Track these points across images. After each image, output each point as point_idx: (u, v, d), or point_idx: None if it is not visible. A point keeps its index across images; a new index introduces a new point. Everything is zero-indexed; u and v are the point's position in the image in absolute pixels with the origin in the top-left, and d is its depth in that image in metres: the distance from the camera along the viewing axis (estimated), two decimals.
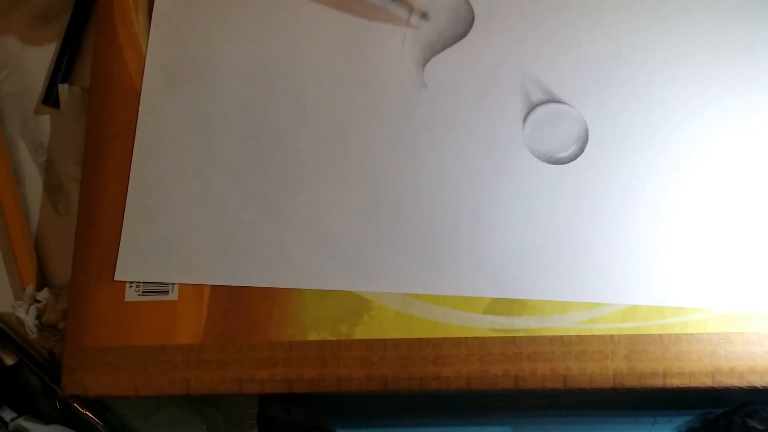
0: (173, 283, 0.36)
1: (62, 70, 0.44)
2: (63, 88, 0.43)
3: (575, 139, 0.37)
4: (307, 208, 0.37)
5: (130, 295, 0.36)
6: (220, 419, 0.41)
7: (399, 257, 0.36)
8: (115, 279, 0.36)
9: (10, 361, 0.41)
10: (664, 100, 0.37)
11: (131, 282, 0.36)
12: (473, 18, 0.39)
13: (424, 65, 0.38)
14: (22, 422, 0.40)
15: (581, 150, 0.37)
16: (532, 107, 0.37)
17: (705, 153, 0.37)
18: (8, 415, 0.40)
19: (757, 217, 0.36)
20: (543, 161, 0.37)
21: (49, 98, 0.44)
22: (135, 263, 0.36)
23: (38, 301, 0.40)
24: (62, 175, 0.43)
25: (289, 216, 0.36)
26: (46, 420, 0.40)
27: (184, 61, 0.39)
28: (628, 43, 0.38)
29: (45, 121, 0.44)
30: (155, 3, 0.40)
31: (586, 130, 0.37)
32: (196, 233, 0.36)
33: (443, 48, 0.38)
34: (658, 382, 0.34)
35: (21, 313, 0.40)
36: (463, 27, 0.38)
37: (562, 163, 0.37)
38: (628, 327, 0.35)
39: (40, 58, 0.45)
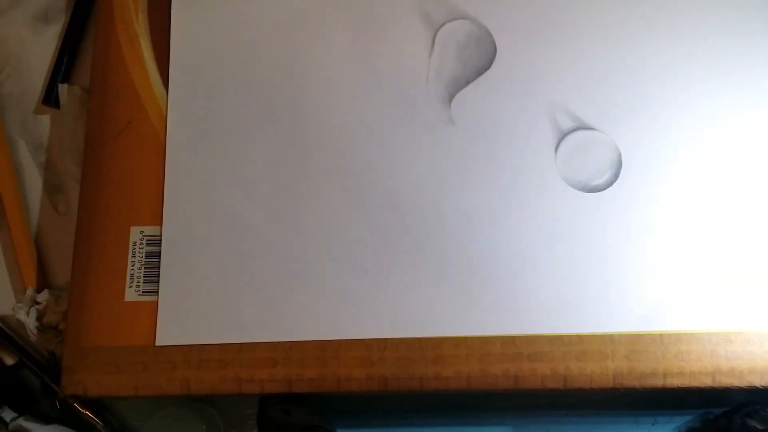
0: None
1: (62, 70, 0.44)
2: (63, 88, 0.43)
3: (609, 164, 0.36)
4: (334, 254, 0.36)
5: (130, 295, 0.36)
6: (220, 419, 0.41)
7: (432, 298, 0.35)
8: (156, 344, 0.35)
9: (10, 361, 0.41)
10: (695, 119, 0.37)
11: (131, 283, 0.36)
12: (495, 49, 0.38)
13: (450, 101, 0.37)
14: (22, 422, 0.40)
15: (616, 176, 0.36)
16: (562, 136, 0.37)
17: (737, 170, 0.36)
18: (8, 415, 0.40)
19: None
20: (578, 190, 0.36)
21: (49, 98, 0.44)
22: (174, 327, 0.35)
23: (38, 303, 0.40)
24: (62, 175, 0.43)
25: (315, 262, 0.36)
26: (46, 420, 0.40)
27: (206, 112, 0.38)
28: (653, 64, 0.38)
29: (45, 121, 0.44)
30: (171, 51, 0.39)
31: (619, 155, 0.36)
32: (231, 294, 0.36)
33: (467, 82, 0.38)
34: (658, 382, 0.34)
35: (21, 316, 0.40)
36: (485, 60, 0.38)
37: (598, 191, 0.36)
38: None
39: (40, 58, 0.45)
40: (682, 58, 0.38)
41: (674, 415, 0.40)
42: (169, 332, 0.35)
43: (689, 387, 0.34)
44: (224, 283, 0.36)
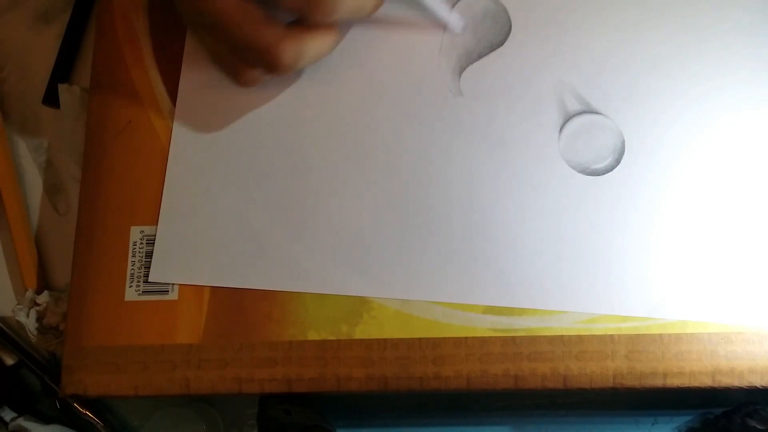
0: (179, 284, 0.36)
1: (62, 70, 0.44)
2: (63, 88, 0.43)
3: (611, 150, 0.36)
4: (332, 212, 0.36)
5: (130, 294, 0.36)
6: (220, 419, 0.41)
7: (428, 265, 0.36)
8: (149, 280, 0.36)
9: (10, 361, 0.41)
10: (702, 114, 0.37)
11: (131, 283, 0.36)
12: (510, 27, 0.38)
13: (460, 73, 0.38)
14: (22, 422, 0.40)
15: (617, 162, 0.36)
16: (568, 117, 0.37)
17: (741, 171, 0.36)
18: (8, 415, 0.40)
19: None
20: (578, 172, 0.36)
21: (49, 98, 0.44)
22: (168, 264, 0.36)
23: (38, 305, 0.40)
24: (62, 175, 0.43)
25: (310, 219, 0.36)
26: (46, 420, 0.40)
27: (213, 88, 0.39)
28: (667, 56, 0.38)
29: (45, 121, 0.44)
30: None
31: (623, 142, 0.37)
32: (221, 237, 0.36)
33: (480, 57, 0.38)
34: (658, 382, 0.34)
35: (21, 317, 0.40)
36: (500, 36, 0.38)
37: (598, 175, 0.36)
38: (628, 327, 0.35)
39: (40, 58, 0.45)
40: (697, 53, 0.38)
41: (674, 415, 0.40)
42: (162, 270, 0.36)
43: (689, 387, 0.34)
44: (221, 229, 0.36)
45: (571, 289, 0.35)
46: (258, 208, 0.37)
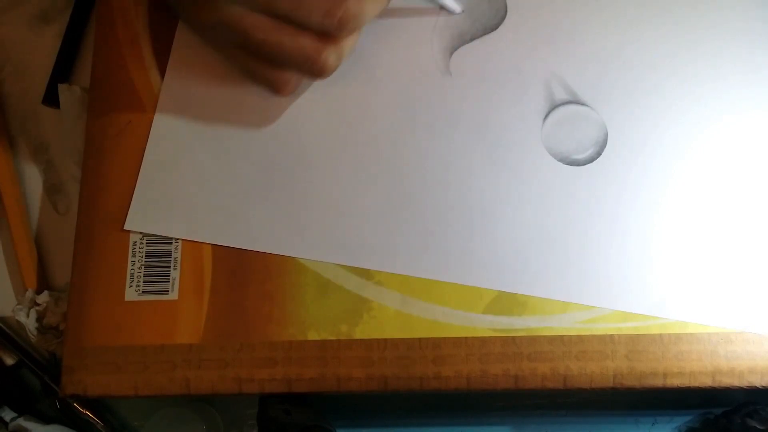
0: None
1: (62, 70, 0.44)
2: (63, 88, 0.43)
3: (593, 142, 0.37)
4: (319, 183, 0.37)
5: (130, 294, 0.36)
6: (220, 419, 0.41)
7: (405, 239, 0.36)
8: (124, 228, 0.37)
9: (10, 361, 0.41)
10: (689, 114, 0.37)
11: (131, 283, 0.36)
12: (506, 12, 0.39)
13: (451, 53, 0.38)
14: (22, 422, 0.40)
15: (598, 154, 0.37)
16: (554, 106, 0.37)
17: (726, 171, 0.36)
18: (8, 415, 0.40)
19: None
20: (558, 161, 0.37)
21: (49, 98, 0.44)
22: (144, 215, 0.37)
23: (38, 305, 0.40)
24: (62, 175, 0.43)
25: (299, 188, 0.37)
26: (46, 420, 0.40)
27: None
28: (662, 56, 0.38)
29: (45, 121, 0.44)
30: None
31: (606, 135, 0.37)
32: (206, 193, 0.37)
33: (472, 38, 0.38)
34: (658, 382, 0.34)
35: (21, 317, 0.40)
36: (495, 20, 0.38)
37: (578, 165, 0.37)
38: (628, 327, 0.35)
39: (40, 58, 0.45)
40: (690, 53, 0.38)
41: (674, 415, 0.40)
42: (137, 220, 0.37)
43: (689, 387, 0.34)
44: (198, 186, 0.37)
45: (545, 275, 0.35)
46: (242, 169, 0.37)
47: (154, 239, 0.37)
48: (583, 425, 0.40)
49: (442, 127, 0.37)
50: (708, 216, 0.36)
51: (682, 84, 0.38)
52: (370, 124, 0.38)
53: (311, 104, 0.38)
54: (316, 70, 0.35)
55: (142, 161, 0.38)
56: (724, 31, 0.39)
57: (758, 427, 0.36)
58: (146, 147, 0.38)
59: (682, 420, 0.40)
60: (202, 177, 0.37)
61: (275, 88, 0.37)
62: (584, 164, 0.37)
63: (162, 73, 0.39)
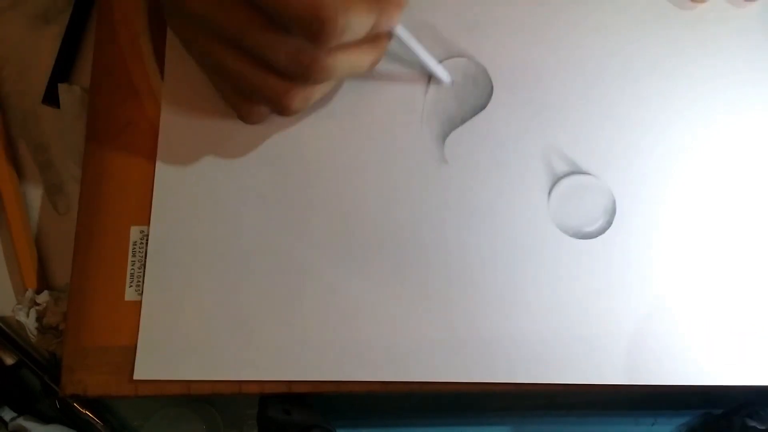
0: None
1: (62, 70, 0.44)
2: (63, 88, 0.43)
3: (602, 211, 0.36)
4: (324, 292, 0.35)
5: (130, 294, 0.36)
6: (220, 419, 0.41)
7: (423, 341, 0.34)
8: (134, 378, 0.35)
9: (10, 361, 0.41)
10: (691, 167, 0.37)
11: (131, 283, 0.36)
12: (492, 88, 0.38)
13: (444, 140, 0.37)
14: (22, 422, 0.40)
15: (609, 223, 0.36)
16: (556, 180, 0.36)
17: (735, 220, 0.36)
18: (8, 414, 0.40)
19: None
20: (570, 236, 0.36)
21: (49, 98, 0.44)
22: (153, 362, 0.35)
23: (38, 305, 0.40)
24: (62, 175, 0.43)
25: (306, 300, 0.35)
26: (46, 420, 0.40)
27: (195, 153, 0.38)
28: (652, 110, 0.37)
29: (45, 121, 0.44)
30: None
31: (614, 202, 0.36)
32: (214, 330, 0.35)
33: (463, 121, 0.37)
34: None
35: (21, 317, 0.40)
36: (483, 98, 0.37)
37: (590, 238, 0.36)
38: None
39: (40, 58, 0.45)
40: (681, 107, 0.38)
41: (674, 415, 0.40)
42: (146, 368, 0.35)
43: (689, 386, 0.34)
44: (206, 320, 0.35)
45: (576, 358, 0.34)
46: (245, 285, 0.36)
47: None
48: (583, 425, 0.40)
49: (446, 218, 0.36)
50: (738, 267, 0.35)
51: (680, 137, 0.37)
52: (369, 225, 0.36)
53: (306, 207, 0.36)
54: (279, 109, 0.34)
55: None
56: (718, 80, 0.38)
57: (758, 427, 0.36)
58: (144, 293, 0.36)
59: (682, 420, 0.40)
60: (205, 313, 0.35)
61: (243, 116, 0.36)
62: (597, 236, 0.36)
63: (162, 73, 0.39)
